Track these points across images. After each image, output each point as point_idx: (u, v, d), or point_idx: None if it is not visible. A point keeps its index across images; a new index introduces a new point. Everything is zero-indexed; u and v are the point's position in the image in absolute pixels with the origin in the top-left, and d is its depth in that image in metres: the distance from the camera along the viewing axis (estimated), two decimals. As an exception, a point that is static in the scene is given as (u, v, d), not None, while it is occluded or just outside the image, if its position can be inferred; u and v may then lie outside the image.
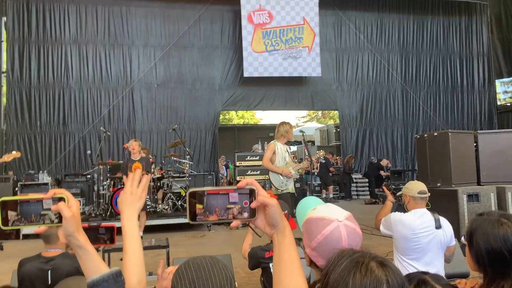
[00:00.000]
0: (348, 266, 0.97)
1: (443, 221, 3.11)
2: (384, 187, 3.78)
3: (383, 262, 0.98)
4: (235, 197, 1.01)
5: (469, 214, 6.58)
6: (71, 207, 1.08)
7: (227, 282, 1.21)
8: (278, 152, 5.71)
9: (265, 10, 12.42)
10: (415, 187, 3.25)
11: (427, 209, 3.21)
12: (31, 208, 1.06)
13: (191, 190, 1.00)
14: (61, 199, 1.07)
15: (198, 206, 1.00)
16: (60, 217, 1.07)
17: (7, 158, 5.94)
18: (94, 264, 1.11)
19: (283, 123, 5.88)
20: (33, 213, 1.06)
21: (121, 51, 12.13)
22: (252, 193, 1.01)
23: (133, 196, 1.33)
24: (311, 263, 1.42)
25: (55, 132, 11.62)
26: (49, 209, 1.07)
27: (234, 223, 1.03)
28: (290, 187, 5.69)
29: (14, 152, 6.17)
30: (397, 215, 3.16)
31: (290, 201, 5.46)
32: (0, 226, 1.04)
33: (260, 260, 2.95)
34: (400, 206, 3.59)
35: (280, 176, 5.60)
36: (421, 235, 2.97)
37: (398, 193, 3.51)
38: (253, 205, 1.00)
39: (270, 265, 2.88)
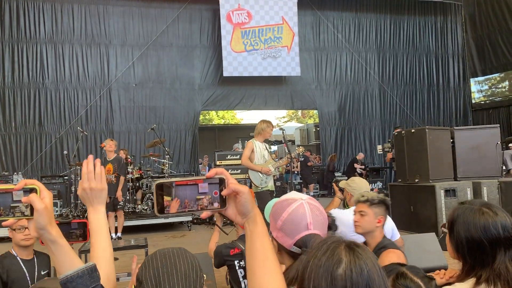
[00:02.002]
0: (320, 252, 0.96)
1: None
2: (334, 184, 3.76)
3: (350, 245, 0.96)
4: (204, 187, 0.98)
5: (447, 209, 6.71)
6: (44, 198, 1.01)
7: (192, 271, 1.19)
8: (257, 150, 5.73)
9: (244, 9, 12.40)
10: (358, 187, 3.17)
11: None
12: (0, 200, 1.00)
13: (158, 181, 0.97)
14: (32, 190, 1.01)
15: (166, 198, 0.96)
16: (31, 210, 1.00)
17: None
18: (68, 259, 1.05)
19: (261, 121, 5.91)
20: (2, 205, 1.00)
21: (98, 50, 11.93)
22: (222, 183, 0.98)
23: (93, 192, 1.26)
24: (280, 249, 1.40)
25: (31, 133, 11.34)
26: (19, 201, 1.00)
27: (205, 213, 1.00)
28: (270, 185, 5.70)
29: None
30: (335, 211, 3.10)
31: (269, 199, 5.47)
32: None
33: (225, 257, 2.94)
34: None
35: (260, 174, 5.61)
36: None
37: (341, 184, 3.41)
38: (224, 192, 0.97)
39: (235, 262, 2.88)
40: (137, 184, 8.94)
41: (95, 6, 11.94)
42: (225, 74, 12.29)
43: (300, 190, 13.07)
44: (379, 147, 9.31)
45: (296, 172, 13.02)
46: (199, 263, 1.23)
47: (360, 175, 12.31)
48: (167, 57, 12.45)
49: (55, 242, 1.04)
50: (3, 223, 1.03)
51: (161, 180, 0.97)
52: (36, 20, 11.54)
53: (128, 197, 8.38)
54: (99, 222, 1.28)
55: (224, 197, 0.98)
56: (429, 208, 6.97)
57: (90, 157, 1.30)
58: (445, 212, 6.75)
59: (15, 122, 11.26)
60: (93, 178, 1.26)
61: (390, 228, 3.08)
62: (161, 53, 12.41)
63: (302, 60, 12.94)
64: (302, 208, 1.37)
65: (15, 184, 1.02)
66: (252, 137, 6.02)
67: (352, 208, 3.07)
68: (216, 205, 0.99)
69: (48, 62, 11.57)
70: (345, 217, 2.97)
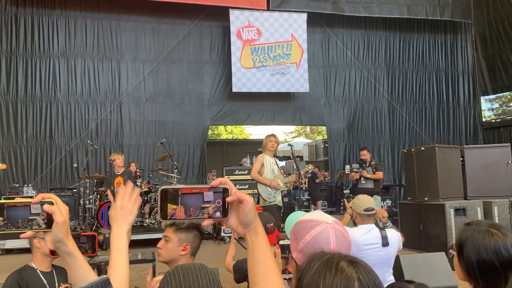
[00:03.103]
0: (318, 268, 0.95)
1: (392, 236, 2.96)
2: (344, 200, 3.72)
3: (353, 260, 0.96)
4: (210, 196, 0.99)
5: (457, 228, 6.62)
6: (61, 212, 1.04)
7: (213, 285, 1.19)
8: (266, 164, 5.75)
9: (254, 26, 12.54)
10: (362, 204, 3.10)
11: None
12: (18, 213, 1.02)
13: (163, 187, 0.98)
14: (49, 203, 1.03)
15: (172, 206, 0.97)
16: (48, 223, 1.03)
17: (-9, 170, 5.84)
18: (83, 271, 1.07)
19: (266, 136, 5.94)
20: (20, 218, 1.02)
21: (110, 65, 12.11)
22: (225, 192, 0.99)
23: (123, 211, 1.29)
24: (298, 270, 1.39)
25: (42, 145, 11.47)
26: (37, 214, 1.03)
27: (206, 222, 1.01)
28: (278, 200, 5.71)
29: (-1, 164, 6.08)
30: None
31: (276, 213, 5.48)
32: None
33: (246, 273, 2.91)
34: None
35: (268, 188, 5.62)
36: (367, 252, 2.84)
37: (349, 204, 3.38)
38: (229, 199, 0.98)
39: None
40: (145, 198, 8.96)
41: (108, 21, 12.16)
42: (234, 89, 12.38)
43: (308, 207, 13.00)
44: (347, 167, 9.49)
45: (304, 189, 12.97)
46: (219, 278, 1.24)
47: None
48: (177, 73, 12.59)
49: (71, 254, 1.06)
50: (21, 235, 1.06)
51: (167, 186, 0.98)
52: (50, 35, 11.77)
53: (136, 214, 8.39)
54: (120, 242, 1.29)
55: (226, 206, 0.99)
56: (438, 227, 6.88)
57: (131, 184, 1.35)
58: (455, 231, 6.67)
59: (26, 135, 11.40)
60: (128, 199, 1.29)
61: (397, 249, 3.03)
62: (171, 68, 12.56)
63: (311, 77, 12.99)
64: (326, 233, 1.33)
65: (32, 198, 1.04)
66: (261, 152, 6.06)
67: (360, 226, 3.05)
68: (218, 214, 0.99)
69: (60, 76, 11.76)
70: (352, 235, 2.86)
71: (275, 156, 6.03)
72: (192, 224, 2.22)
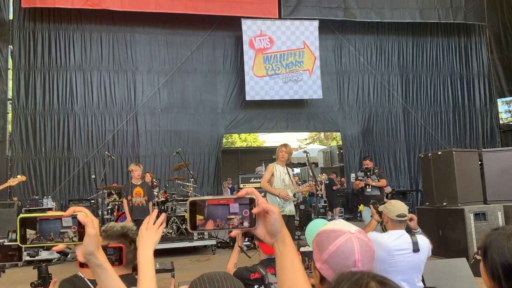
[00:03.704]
0: None
1: (422, 242, 2.93)
2: (371, 206, 3.69)
3: (382, 280, 0.94)
4: (235, 207, 1.00)
5: (477, 233, 6.52)
6: (93, 224, 1.07)
7: None
8: (276, 174, 5.79)
9: (266, 35, 12.62)
10: (395, 209, 3.07)
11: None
12: (50, 226, 1.04)
13: (192, 199, 1.00)
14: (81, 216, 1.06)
15: (199, 217, 1.00)
16: (79, 235, 1.05)
17: (12, 182, 5.96)
18: (113, 283, 1.10)
19: (278, 146, 5.99)
20: (52, 231, 1.04)
21: (125, 76, 12.30)
22: (252, 202, 1.01)
23: (148, 232, 1.38)
24: (322, 280, 1.38)
25: (60, 157, 11.66)
26: (68, 227, 1.05)
27: (234, 232, 1.03)
28: (287, 209, 5.69)
29: (19, 176, 6.18)
30: (374, 235, 2.98)
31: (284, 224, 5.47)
32: (19, 244, 1.02)
33: (246, 281, 2.91)
34: None
35: (277, 198, 5.64)
36: (398, 258, 2.81)
37: (380, 209, 3.36)
38: (255, 210, 0.99)
39: (255, 287, 2.85)
40: (162, 208, 9.02)
41: (123, 34, 12.37)
42: (247, 98, 12.44)
43: (324, 214, 12.93)
44: (352, 175, 9.62)
45: (320, 196, 12.91)
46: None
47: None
48: (192, 83, 12.72)
49: (101, 266, 1.08)
50: (53, 248, 1.08)
51: (195, 198, 1.01)
52: (66, 49, 12.01)
53: (159, 238, 8.46)
54: (146, 262, 1.36)
55: (254, 216, 1.01)
56: (458, 232, 6.78)
57: (156, 211, 1.54)
58: (475, 236, 6.56)
59: (45, 147, 11.60)
60: (153, 222, 1.43)
61: (427, 254, 3.00)
62: (185, 78, 12.69)
63: (324, 83, 12.99)
64: (350, 243, 1.32)
65: (64, 211, 1.07)
66: (274, 160, 6.07)
67: (391, 232, 3.03)
68: (246, 224, 1.01)
69: (77, 88, 11.97)
70: (383, 241, 2.87)
71: (288, 164, 6.03)
72: (119, 233, 2.14)
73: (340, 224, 1.41)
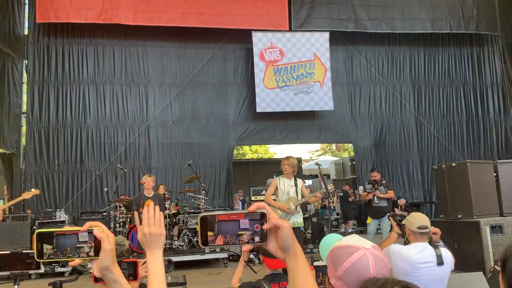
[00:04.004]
0: None
1: (446, 255, 2.89)
2: (390, 218, 3.66)
3: (407, 285, 0.94)
4: (245, 223, 1.01)
5: (494, 247, 6.38)
6: (109, 239, 1.08)
7: None
8: (281, 187, 5.89)
9: (276, 47, 12.67)
10: (415, 221, 3.04)
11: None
12: (67, 241, 1.06)
13: (202, 214, 1.01)
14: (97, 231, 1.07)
15: (210, 233, 1.00)
16: (95, 251, 1.06)
17: (26, 195, 6.03)
18: None
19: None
20: (69, 246, 1.06)
21: (137, 89, 12.42)
22: (263, 217, 1.01)
23: (152, 236, 1.30)
24: None
25: (72, 170, 11.76)
26: (84, 242, 1.06)
27: (246, 247, 1.02)
28: (291, 222, 5.70)
29: (33, 190, 6.27)
30: (397, 247, 2.96)
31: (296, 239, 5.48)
32: (36, 259, 1.04)
33: None
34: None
35: (279, 211, 5.70)
36: (422, 271, 2.77)
37: (403, 222, 3.35)
38: (265, 226, 0.99)
39: None
40: (174, 220, 9.02)
41: (135, 48, 12.53)
42: (258, 110, 12.46)
43: (337, 226, 12.81)
44: (360, 187, 9.74)
45: (332, 208, 12.80)
46: None
47: (400, 221, 12.02)
48: (203, 95, 12.79)
49: (117, 282, 1.08)
50: (70, 263, 1.10)
51: (206, 213, 1.01)
52: (79, 63, 12.20)
53: (165, 233, 8.46)
54: (156, 267, 1.30)
55: (265, 231, 1.01)
56: (474, 246, 6.65)
57: (151, 204, 1.35)
58: (492, 249, 6.42)
59: (58, 160, 11.72)
60: (153, 223, 1.29)
61: (451, 268, 2.95)
62: (197, 91, 12.77)
63: (335, 94, 12.95)
64: (365, 259, 1.31)
65: (80, 226, 1.08)
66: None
67: (414, 244, 2.99)
68: (257, 239, 1.01)
69: (90, 102, 12.12)
70: (407, 253, 2.84)
71: (300, 176, 6.07)
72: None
73: (354, 240, 1.39)
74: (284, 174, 5.90)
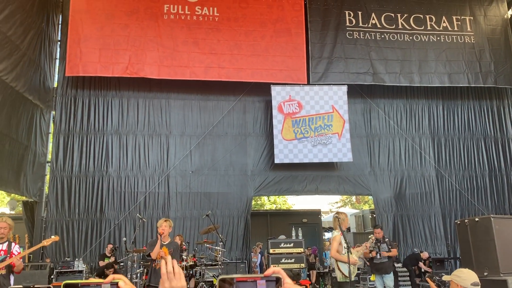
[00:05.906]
0: None
1: None
2: (428, 279, 3.63)
3: None
4: (262, 284, 1.05)
5: (523, 307, 6.08)
6: None
7: None
8: (342, 242, 6.44)
9: (295, 100, 12.92)
10: (468, 277, 3.06)
11: None
12: None
13: (221, 277, 1.06)
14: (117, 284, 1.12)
15: None
16: None
17: (46, 242, 6.10)
18: None
19: (339, 213, 6.78)
20: None
21: (159, 140, 12.71)
22: (278, 281, 1.05)
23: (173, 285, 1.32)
24: None
25: (92, 219, 11.86)
26: None
27: None
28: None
29: (53, 237, 6.35)
30: None
31: None
32: None
33: None
34: None
35: (347, 265, 6.08)
36: None
37: (445, 278, 3.32)
38: None
39: None
40: (191, 272, 8.90)
41: (158, 100, 12.96)
42: (276, 161, 12.53)
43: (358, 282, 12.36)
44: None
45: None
46: None
47: (424, 274, 11.69)
48: (222, 145, 12.99)
49: None
50: None
51: (224, 276, 1.05)
52: (104, 114, 12.62)
53: (186, 285, 8.32)
54: None
55: None
56: (503, 306, 6.34)
57: (169, 258, 1.38)
58: (522, 310, 6.11)
59: (78, 209, 11.86)
60: (173, 278, 1.31)
61: None
62: (216, 141, 12.99)
63: (354, 146, 12.97)
64: None
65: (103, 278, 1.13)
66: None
67: None
68: None
69: (112, 151, 12.41)
70: None
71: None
72: None
73: None
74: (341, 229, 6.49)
